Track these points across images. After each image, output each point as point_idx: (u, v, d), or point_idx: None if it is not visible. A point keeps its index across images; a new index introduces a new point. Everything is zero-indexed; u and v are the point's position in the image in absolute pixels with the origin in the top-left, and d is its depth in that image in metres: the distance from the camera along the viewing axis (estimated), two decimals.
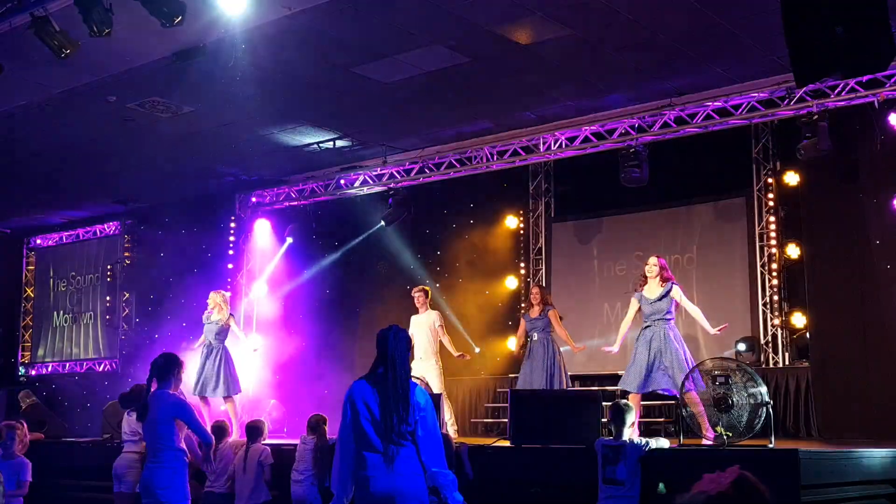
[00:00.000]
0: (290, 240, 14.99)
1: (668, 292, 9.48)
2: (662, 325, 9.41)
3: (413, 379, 5.33)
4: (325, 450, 8.90)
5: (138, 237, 17.08)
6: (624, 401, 8.04)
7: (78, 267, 18.24)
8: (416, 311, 11.74)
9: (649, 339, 9.39)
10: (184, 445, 7.01)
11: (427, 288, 11.91)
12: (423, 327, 11.48)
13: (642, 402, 10.05)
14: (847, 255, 10.76)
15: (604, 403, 9.35)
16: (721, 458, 7.77)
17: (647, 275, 9.69)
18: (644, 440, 7.81)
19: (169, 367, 7.01)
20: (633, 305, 9.78)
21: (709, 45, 9.96)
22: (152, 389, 6.97)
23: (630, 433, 7.84)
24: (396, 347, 5.27)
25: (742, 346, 11.78)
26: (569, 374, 11.23)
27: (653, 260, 9.75)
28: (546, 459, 8.43)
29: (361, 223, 14.60)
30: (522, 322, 11.27)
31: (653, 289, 9.60)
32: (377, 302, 14.64)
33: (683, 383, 8.63)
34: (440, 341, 11.49)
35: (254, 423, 9.83)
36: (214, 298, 11.98)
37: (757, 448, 7.80)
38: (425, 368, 11.39)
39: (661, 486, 7.41)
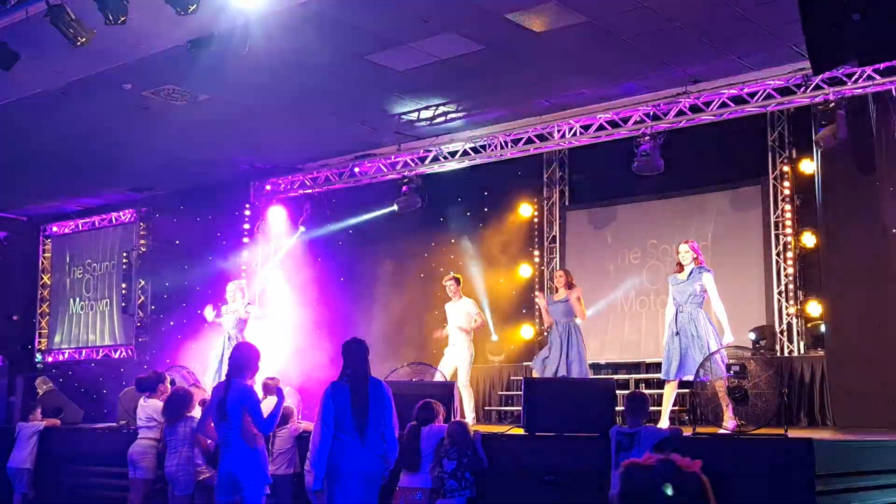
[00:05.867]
0: (302, 229, 15.00)
1: (697, 274, 9.44)
2: (692, 311, 9.35)
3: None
4: None
5: (154, 225, 17.14)
6: (640, 391, 8.03)
7: (94, 254, 18.33)
8: (445, 300, 11.82)
9: (681, 327, 9.34)
10: (257, 433, 6.98)
11: (458, 276, 11.93)
12: (458, 315, 11.55)
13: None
14: (863, 243, 10.71)
15: (618, 392, 9.36)
16: (736, 447, 7.77)
17: (682, 262, 9.64)
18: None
19: (247, 360, 7.01)
20: (670, 290, 9.75)
21: (724, 33, 9.90)
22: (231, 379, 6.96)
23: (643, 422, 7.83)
24: (359, 356, 6.89)
25: (752, 336, 11.74)
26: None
27: (684, 247, 9.69)
28: (560, 447, 8.43)
29: (376, 211, 14.61)
30: (548, 306, 11.22)
31: (685, 272, 9.57)
32: (391, 289, 14.68)
33: (698, 372, 8.62)
34: (473, 328, 11.57)
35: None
36: (231, 287, 12.07)
37: (772, 437, 7.79)
38: (458, 355, 11.43)
39: (667, 487, 7.39)
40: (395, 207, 13.76)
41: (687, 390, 10.66)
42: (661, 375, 9.66)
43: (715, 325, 9.51)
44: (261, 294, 15.24)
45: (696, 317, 9.32)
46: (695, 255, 9.59)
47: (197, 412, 8.96)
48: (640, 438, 7.51)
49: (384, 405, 6.81)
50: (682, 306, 9.42)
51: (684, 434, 8.25)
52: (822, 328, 11.44)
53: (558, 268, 14.10)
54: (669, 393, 9.52)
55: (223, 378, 11.23)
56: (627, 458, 7.61)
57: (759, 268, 12.44)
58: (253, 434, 6.94)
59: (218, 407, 6.88)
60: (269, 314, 13.05)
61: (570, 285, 10.99)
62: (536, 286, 14.39)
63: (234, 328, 11.87)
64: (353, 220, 15.23)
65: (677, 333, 9.36)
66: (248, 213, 15.58)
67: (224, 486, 6.91)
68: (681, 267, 9.66)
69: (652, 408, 11.98)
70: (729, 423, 8.52)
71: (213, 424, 7.31)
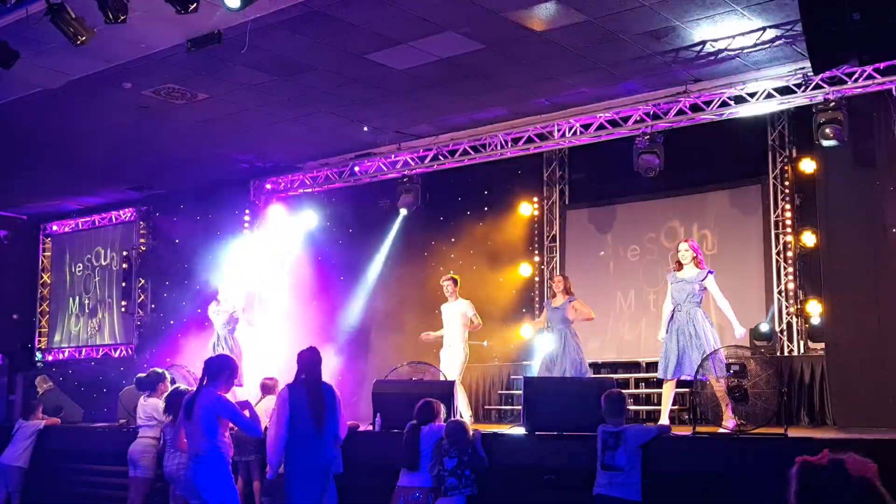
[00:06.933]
0: (311, 222, 14.97)
1: (702, 278, 9.42)
2: (690, 310, 9.33)
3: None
4: None
5: (154, 223, 17.15)
6: (617, 390, 8.00)
7: (94, 253, 18.33)
8: (444, 300, 11.83)
9: (678, 326, 9.33)
10: (227, 441, 6.95)
11: (456, 276, 11.96)
12: (454, 315, 11.56)
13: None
14: (863, 242, 10.71)
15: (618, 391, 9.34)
16: (736, 447, 7.78)
17: (682, 261, 9.62)
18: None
19: (221, 369, 7.01)
20: (669, 287, 9.73)
21: (724, 32, 9.89)
22: (202, 386, 6.96)
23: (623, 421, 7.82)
24: (312, 363, 7.56)
25: (765, 328, 11.75)
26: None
27: (683, 246, 9.68)
28: (559, 447, 8.44)
29: (376, 210, 14.61)
30: (545, 310, 11.26)
31: (686, 271, 9.55)
32: (391, 289, 14.67)
33: (698, 370, 8.61)
34: (468, 329, 11.57)
35: None
36: (223, 288, 12.12)
37: (772, 436, 7.80)
38: (452, 355, 11.43)
39: None
40: (404, 212, 13.76)
41: (686, 390, 10.68)
42: (658, 374, 9.65)
43: (714, 324, 9.51)
44: (260, 293, 15.24)
45: (695, 316, 9.31)
46: (694, 255, 9.58)
47: None
48: (625, 437, 7.53)
49: (335, 407, 7.49)
50: (680, 305, 9.41)
51: (684, 434, 8.26)
52: (823, 327, 11.43)
53: (559, 267, 14.11)
54: (668, 392, 9.52)
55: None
56: (612, 458, 7.63)
57: (760, 267, 12.43)
58: (223, 450, 6.88)
59: (185, 407, 6.89)
60: (255, 322, 13.00)
61: (567, 291, 10.99)
62: (536, 285, 14.39)
63: (223, 328, 11.92)
64: (352, 220, 15.24)
65: (675, 332, 9.35)
66: (248, 211, 15.58)
67: (188, 492, 6.92)
68: (680, 265, 9.65)
69: (652, 407, 12.05)
70: (729, 422, 8.52)
71: (182, 429, 7.33)
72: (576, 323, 10.92)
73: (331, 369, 13.95)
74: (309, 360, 7.61)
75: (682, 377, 9.36)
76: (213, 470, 6.74)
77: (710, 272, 9.49)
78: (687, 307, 9.35)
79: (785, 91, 10.84)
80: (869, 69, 10.04)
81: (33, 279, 19.12)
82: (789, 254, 12.22)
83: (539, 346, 11.39)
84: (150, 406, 9.73)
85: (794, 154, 12.29)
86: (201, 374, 7.04)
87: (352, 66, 10.78)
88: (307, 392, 7.42)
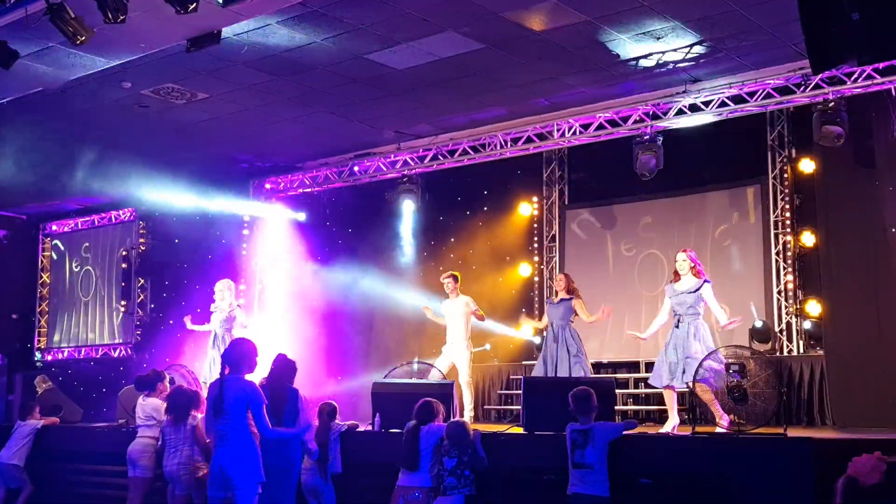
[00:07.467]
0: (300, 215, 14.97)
1: (697, 288, 9.39)
2: (691, 321, 9.32)
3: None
4: (327, 438, 8.82)
5: (153, 223, 17.12)
6: (585, 387, 8.00)
7: (93, 253, 18.31)
8: (445, 296, 11.83)
9: (679, 338, 9.30)
10: (254, 430, 6.94)
11: (457, 273, 11.95)
12: (456, 313, 11.56)
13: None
14: (862, 242, 10.71)
15: (617, 391, 9.35)
16: (736, 447, 7.78)
17: (679, 271, 9.59)
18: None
19: (241, 355, 6.99)
20: (665, 299, 9.70)
21: (724, 32, 9.91)
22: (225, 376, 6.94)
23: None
24: (279, 368, 7.82)
25: (758, 324, 11.78)
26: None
27: (681, 256, 9.63)
28: (559, 446, 8.43)
29: (375, 210, 14.61)
30: (546, 307, 11.26)
31: (683, 282, 9.52)
32: (391, 289, 14.66)
33: (697, 371, 8.61)
34: (474, 317, 11.58)
35: None
36: (220, 287, 12.14)
37: (771, 436, 7.80)
38: (456, 353, 11.44)
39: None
40: (411, 204, 13.73)
41: (686, 390, 10.68)
42: (652, 383, 9.63)
43: (712, 335, 9.52)
44: (260, 293, 15.24)
45: (697, 328, 9.31)
46: (692, 265, 9.55)
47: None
48: (593, 435, 7.56)
49: (296, 411, 7.60)
50: (681, 318, 9.39)
51: (684, 434, 8.26)
52: (822, 327, 11.43)
53: (558, 267, 14.11)
54: (670, 398, 9.54)
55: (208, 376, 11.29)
56: (582, 456, 7.66)
57: (759, 267, 12.43)
58: (251, 431, 6.89)
59: (214, 403, 6.85)
60: (250, 324, 12.96)
61: (570, 290, 10.95)
62: (536, 286, 14.39)
63: (221, 327, 11.96)
64: (352, 220, 15.24)
65: (674, 344, 9.34)
66: (247, 211, 15.56)
67: (216, 482, 6.87)
68: (678, 276, 9.63)
69: (651, 407, 12.06)
70: (723, 420, 8.53)
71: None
72: (576, 321, 10.91)
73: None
74: (276, 366, 7.82)
75: (675, 386, 9.38)
76: (243, 451, 6.74)
77: (706, 281, 9.47)
78: (688, 320, 9.34)
79: (784, 91, 10.85)
80: (868, 69, 10.05)
81: (33, 279, 19.09)
82: (788, 254, 12.22)
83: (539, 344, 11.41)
84: (150, 406, 9.72)
85: (794, 154, 12.30)
86: (221, 364, 7.01)
87: (352, 66, 10.79)
88: (269, 395, 7.40)
